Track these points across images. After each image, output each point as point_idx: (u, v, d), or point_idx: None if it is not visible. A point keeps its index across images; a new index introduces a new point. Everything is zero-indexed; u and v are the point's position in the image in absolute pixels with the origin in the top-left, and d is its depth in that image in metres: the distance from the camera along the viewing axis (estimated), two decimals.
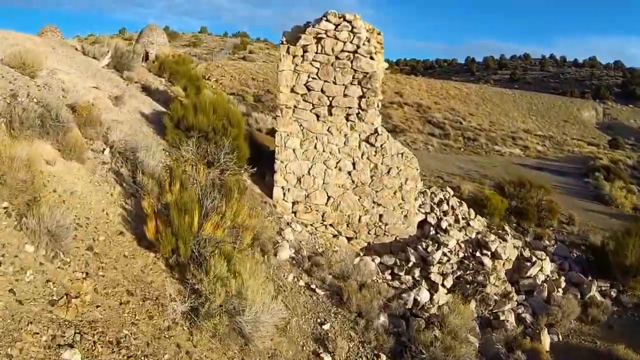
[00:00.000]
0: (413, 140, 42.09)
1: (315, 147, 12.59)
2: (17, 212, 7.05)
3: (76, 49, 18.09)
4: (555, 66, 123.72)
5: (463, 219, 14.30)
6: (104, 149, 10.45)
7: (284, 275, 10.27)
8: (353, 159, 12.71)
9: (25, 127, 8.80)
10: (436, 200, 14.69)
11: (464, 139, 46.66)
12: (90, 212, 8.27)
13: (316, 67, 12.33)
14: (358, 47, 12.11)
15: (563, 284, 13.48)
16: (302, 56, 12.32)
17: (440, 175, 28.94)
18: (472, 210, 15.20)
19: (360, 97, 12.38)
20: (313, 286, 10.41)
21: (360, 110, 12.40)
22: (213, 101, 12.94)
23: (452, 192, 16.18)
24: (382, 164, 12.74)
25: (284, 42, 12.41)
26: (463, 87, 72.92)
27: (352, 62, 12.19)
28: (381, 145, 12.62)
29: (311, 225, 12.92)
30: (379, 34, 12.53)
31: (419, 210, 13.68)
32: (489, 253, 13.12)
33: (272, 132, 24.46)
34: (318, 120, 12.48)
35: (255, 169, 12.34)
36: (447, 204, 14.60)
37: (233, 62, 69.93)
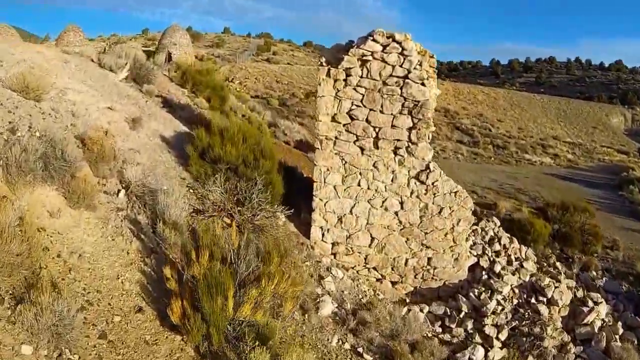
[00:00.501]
0: (442, 149, 40.71)
1: (359, 184, 11.05)
2: (11, 295, 5.68)
3: (92, 60, 16.76)
4: (581, 69, 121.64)
5: (516, 259, 12.80)
6: (119, 191, 9.07)
7: (327, 339, 8.84)
8: (401, 198, 11.15)
9: (25, 172, 7.42)
10: (487, 238, 13.20)
11: (493, 147, 45.19)
12: (102, 282, 6.89)
13: (361, 94, 10.70)
14: (409, 71, 10.49)
15: (620, 331, 11.98)
16: (345, 80, 10.69)
17: (474, 189, 27.71)
18: (523, 247, 13.69)
19: (410, 129, 10.77)
20: (360, 349, 9.02)
21: (410, 144, 10.81)
22: (243, 129, 11.50)
23: (498, 223, 14.70)
24: (433, 203, 11.18)
25: (324, 64, 10.82)
26: (491, 92, 71.14)
27: (401, 89, 10.56)
28: (432, 183, 11.05)
29: (352, 268, 11.45)
30: (431, 57, 10.89)
31: (470, 253, 12.17)
32: (544, 300, 11.64)
33: (301, 145, 23.31)
34: (362, 154, 10.91)
35: (292, 210, 10.90)
36: (499, 242, 13.09)
37: (257, 64, 68.81)
